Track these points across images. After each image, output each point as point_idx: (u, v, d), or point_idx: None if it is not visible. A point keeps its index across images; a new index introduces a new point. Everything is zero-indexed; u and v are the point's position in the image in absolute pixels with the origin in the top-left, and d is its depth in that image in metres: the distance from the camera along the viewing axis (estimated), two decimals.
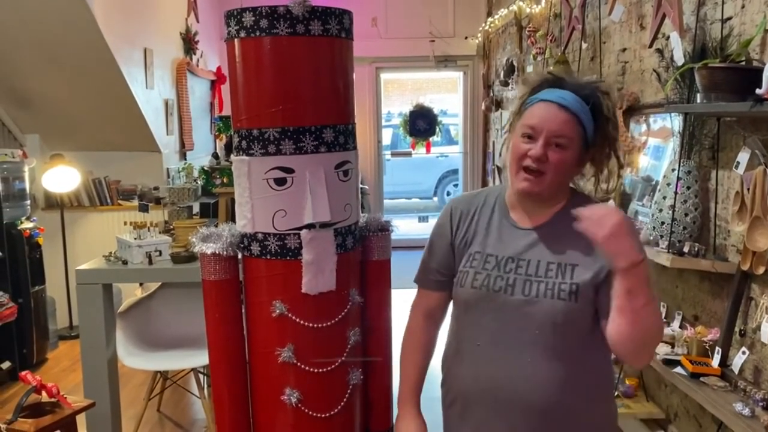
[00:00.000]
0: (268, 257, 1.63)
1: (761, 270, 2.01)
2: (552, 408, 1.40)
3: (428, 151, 7.74)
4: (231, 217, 2.67)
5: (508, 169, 1.47)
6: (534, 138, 1.38)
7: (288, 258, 1.62)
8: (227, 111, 1.75)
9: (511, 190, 1.50)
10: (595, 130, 1.41)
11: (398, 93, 9.83)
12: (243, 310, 1.73)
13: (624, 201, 3.12)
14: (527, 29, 4.87)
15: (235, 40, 1.58)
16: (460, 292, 1.50)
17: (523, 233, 1.47)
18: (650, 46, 2.72)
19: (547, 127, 1.37)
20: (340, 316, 1.67)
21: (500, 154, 1.58)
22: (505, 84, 5.74)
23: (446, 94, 9.47)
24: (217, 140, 5.74)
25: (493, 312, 1.44)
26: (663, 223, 2.48)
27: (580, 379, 1.42)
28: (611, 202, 3.10)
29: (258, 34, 1.54)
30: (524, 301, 1.41)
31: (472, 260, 1.49)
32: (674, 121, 2.68)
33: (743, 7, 2.20)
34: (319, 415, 1.67)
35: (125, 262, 3.02)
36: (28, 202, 4.37)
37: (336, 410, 1.69)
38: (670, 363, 2.28)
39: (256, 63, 1.57)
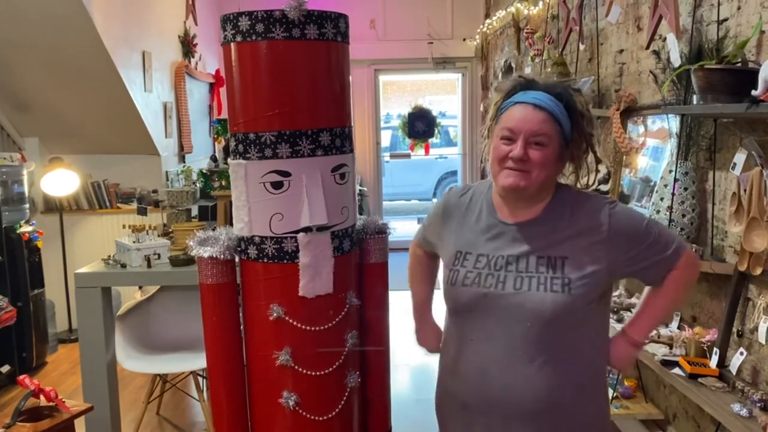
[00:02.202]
0: (266, 260, 1.63)
1: (758, 271, 2.02)
2: (543, 404, 1.42)
3: (427, 152, 7.75)
4: (230, 220, 2.67)
5: (491, 172, 1.50)
6: (513, 140, 1.41)
7: (285, 261, 1.62)
8: (226, 114, 1.75)
9: (497, 190, 1.51)
10: (572, 127, 1.44)
11: (397, 95, 9.85)
12: (240, 314, 1.73)
13: (623, 201, 3.12)
14: (525, 31, 4.88)
15: (232, 44, 1.59)
16: (452, 291, 1.51)
17: (511, 229, 1.49)
18: (647, 48, 2.72)
19: (525, 128, 1.40)
20: (337, 319, 1.68)
21: (481, 161, 1.61)
22: None
23: (445, 95, 9.49)
24: (216, 143, 5.75)
25: (486, 308, 1.45)
26: None
27: (571, 375, 1.44)
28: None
29: (254, 38, 1.54)
30: (516, 294, 1.42)
31: (463, 259, 1.51)
32: (672, 123, 2.68)
33: (739, 8, 2.21)
34: (316, 417, 1.68)
35: (124, 266, 3.02)
36: (27, 205, 4.37)
37: (334, 413, 1.70)
38: (669, 364, 2.28)
39: (252, 67, 1.58)
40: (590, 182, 1.55)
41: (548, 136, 1.40)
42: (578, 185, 1.52)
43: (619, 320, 2.66)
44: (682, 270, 1.48)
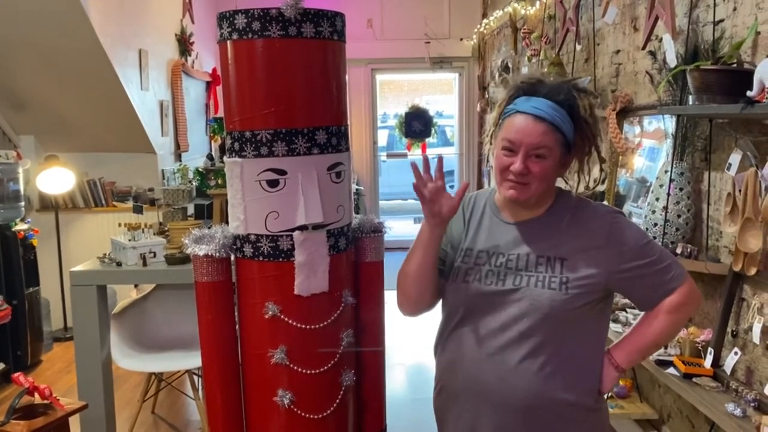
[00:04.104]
0: (261, 259, 1.63)
1: (753, 271, 2.02)
2: (535, 399, 1.43)
3: (424, 152, 7.75)
4: (226, 219, 2.66)
5: (494, 179, 1.50)
6: (514, 151, 1.41)
7: (280, 259, 1.62)
8: (222, 112, 1.75)
9: (500, 195, 1.53)
10: (575, 132, 1.43)
11: (394, 94, 9.83)
12: (236, 312, 1.73)
13: (618, 202, 3.13)
14: (522, 31, 4.88)
15: (228, 42, 1.58)
16: (452, 287, 1.53)
17: (512, 229, 1.51)
18: (643, 48, 2.73)
19: (525, 141, 1.40)
20: (332, 318, 1.68)
21: (487, 161, 1.61)
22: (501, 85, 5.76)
23: (442, 95, 9.48)
24: (212, 141, 5.75)
25: (484, 304, 1.47)
26: (656, 224, 2.49)
27: (566, 373, 1.44)
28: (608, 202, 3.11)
29: (250, 36, 1.54)
30: (514, 290, 1.44)
31: (464, 257, 1.53)
32: (668, 123, 2.69)
33: (735, 9, 2.21)
34: (311, 416, 1.67)
35: (119, 264, 3.02)
36: (23, 203, 4.36)
37: (329, 411, 1.69)
38: (663, 364, 2.29)
39: (248, 65, 1.57)
40: (590, 185, 1.54)
41: (549, 148, 1.40)
42: (580, 186, 1.51)
43: (615, 320, 2.66)
44: (679, 299, 1.45)
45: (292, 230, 1.60)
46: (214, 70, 6.76)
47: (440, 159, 1.48)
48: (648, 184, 2.84)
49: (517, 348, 1.43)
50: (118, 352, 3.03)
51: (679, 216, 2.43)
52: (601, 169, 1.54)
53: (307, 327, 1.64)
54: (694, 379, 2.16)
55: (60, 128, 4.77)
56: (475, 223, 1.56)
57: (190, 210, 3.77)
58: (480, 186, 7.35)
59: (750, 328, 2.08)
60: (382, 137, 8.81)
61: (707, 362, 2.21)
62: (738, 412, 1.92)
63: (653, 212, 2.52)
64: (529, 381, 1.42)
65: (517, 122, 1.41)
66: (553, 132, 1.40)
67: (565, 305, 1.41)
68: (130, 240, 3.03)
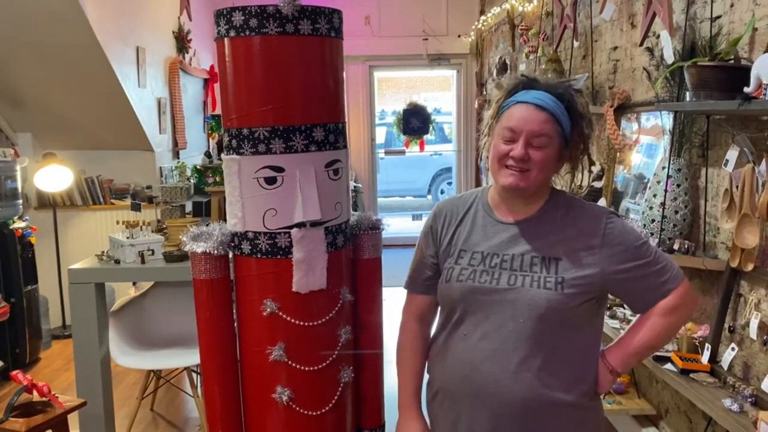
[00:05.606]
0: (259, 256, 1.63)
1: (750, 267, 2.03)
2: (532, 401, 1.42)
3: (422, 149, 7.75)
4: (223, 216, 2.67)
5: (490, 170, 1.50)
6: (514, 139, 1.42)
7: (279, 256, 1.62)
8: (220, 110, 1.75)
9: (495, 189, 1.54)
10: (571, 128, 1.44)
11: (392, 91, 9.82)
12: (234, 309, 1.73)
13: (616, 199, 3.14)
14: (520, 28, 4.88)
15: (225, 39, 1.58)
16: (446, 288, 1.52)
17: (506, 228, 1.50)
18: (641, 45, 2.73)
19: (526, 128, 1.40)
20: (330, 315, 1.68)
21: (481, 158, 1.62)
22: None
23: (440, 92, 9.48)
24: (210, 139, 5.74)
25: (479, 303, 1.46)
26: (653, 220, 2.50)
27: (562, 373, 1.43)
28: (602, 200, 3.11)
29: (247, 33, 1.54)
30: (509, 289, 1.43)
31: (458, 258, 1.52)
32: (665, 119, 2.69)
33: (732, 5, 2.21)
34: (310, 413, 1.68)
35: (118, 261, 3.02)
36: (20, 201, 4.36)
37: (327, 408, 1.70)
38: (661, 359, 2.30)
39: (245, 62, 1.57)
40: (584, 183, 1.54)
41: (549, 136, 1.41)
42: (573, 185, 1.52)
43: (613, 316, 2.67)
44: (675, 301, 1.43)
45: (290, 227, 1.60)
46: (212, 67, 6.75)
47: None
48: (645, 180, 2.85)
49: (514, 350, 1.42)
50: (116, 349, 3.03)
51: (676, 212, 2.43)
52: (590, 171, 1.54)
53: (306, 324, 1.65)
54: (691, 375, 2.16)
55: (58, 126, 4.77)
56: (468, 224, 1.55)
57: (188, 207, 3.77)
58: (478, 182, 7.36)
59: (747, 324, 2.09)
60: (380, 134, 8.81)
61: (704, 358, 2.21)
62: (735, 407, 1.93)
63: (650, 209, 2.53)
64: (527, 384, 1.41)
65: (518, 111, 1.42)
66: (553, 122, 1.41)
67: (561, 305, 1.40)
68: (128, 237, 3.03)
